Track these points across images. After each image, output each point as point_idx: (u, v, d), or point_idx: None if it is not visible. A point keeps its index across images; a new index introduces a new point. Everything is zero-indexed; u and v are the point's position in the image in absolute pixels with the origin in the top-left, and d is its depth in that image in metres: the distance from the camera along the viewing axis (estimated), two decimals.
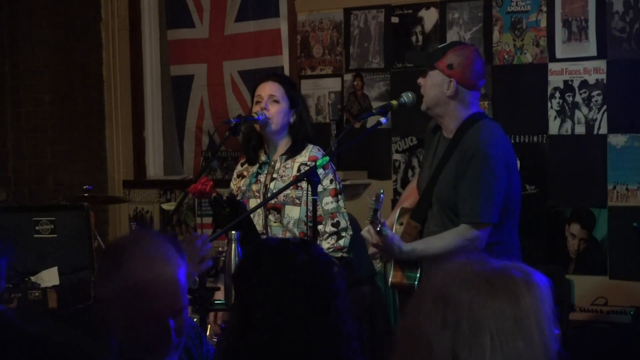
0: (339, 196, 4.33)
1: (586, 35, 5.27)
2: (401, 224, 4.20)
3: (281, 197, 4.24)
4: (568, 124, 5.33)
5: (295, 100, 4.39)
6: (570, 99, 5.32)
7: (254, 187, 4.40)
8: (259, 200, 4.31)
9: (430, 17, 5.78)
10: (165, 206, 6.72)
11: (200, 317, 3.59)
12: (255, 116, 4.31)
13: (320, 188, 4.22)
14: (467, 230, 3.95)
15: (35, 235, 5.09)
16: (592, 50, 5.25)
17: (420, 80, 4.13)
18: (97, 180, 7.10)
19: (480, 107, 4.21)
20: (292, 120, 4.38)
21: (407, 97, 4.17)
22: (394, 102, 4.17)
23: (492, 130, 4.05)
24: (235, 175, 4.56)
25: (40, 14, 7.36)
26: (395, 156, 5.93)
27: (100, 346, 1.74)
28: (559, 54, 5.35)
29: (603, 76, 5.23)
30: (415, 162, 5.79)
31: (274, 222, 4.31)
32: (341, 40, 6.12)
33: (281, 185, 4.22)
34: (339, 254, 4.23)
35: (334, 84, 6.15)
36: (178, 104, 7.06)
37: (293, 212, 4.28)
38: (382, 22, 5.97)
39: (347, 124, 5.96)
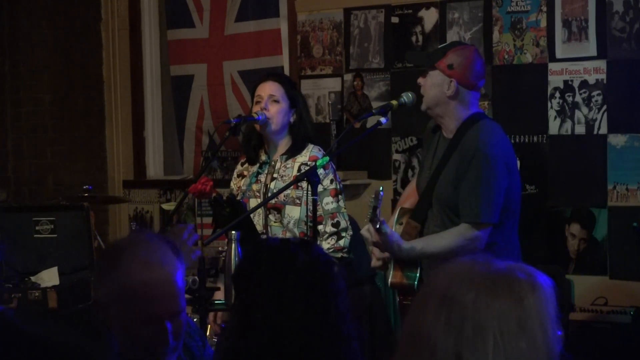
0: (340, 196, 4.33)
1: (586, 35, 5.27)
2: (401, 224, 4.20)
3: (281, 197, 4.24)
4: (568, 124, 5.33)
5: (296, 99, 4.39)
6: (570, 99, 5.32)
7: (255, 186, 4.40)
8: (259, 200, 4.31)
9: (430, 17, 5.78)
10: (165, 206, 6.72)
11: (200, 317, 3.59)
12: (255, 116, 4.31)
13: (320, 188, 4.22)
14: (468, 230, 3.95)
15: (35, 235, 5.09)
16: (592, 50, 5.25)
17: (421, 80, 4.13)
18: (97, 180, 7.10)
19: (480, 107, 4.21)
20: (292, 120, 4.38)
21: (407, 97, 4.17)
22: (394, 102, 4.17)
23: (492, 131, 4.05)
24: (235, 175, 4.56)
25: (40, 14, 7.36)
26: (395, 156, 5.93)
27: (100, 346, 1.73)
28: (559, 54, 5.35)
29: (603, 76, 5.23)
30: (415, 162, 5.79)
31: (274, 222, 4.31)
32: (341, 40, 6.12)
33: (281, 185, 4.22)
34: (339, 254, 4.23)
35: (334, 84, 6.15)
36: (178, 104, 7.06)
37: (293, 212, 4.29)
38: (382, 22, 5.97)
39: (347, 124, 5.96)
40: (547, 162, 5.38)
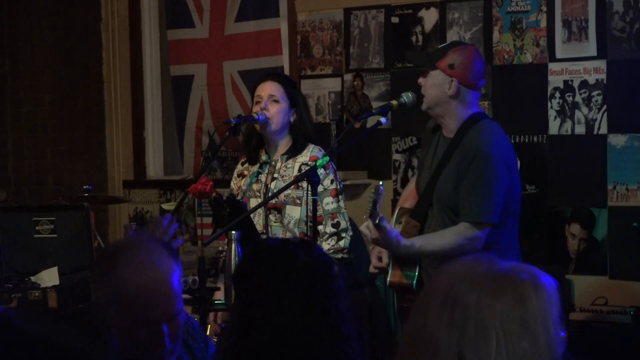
0: (340, 196, 4.33)
1: (586, 35, 5.27)
2: (400, 223, 4.20)
3: (282, 197, 4.24)
4: (568, 124, 5.33)
5: (295, 99, 4.39)
6: (570, 99, 5.32)
7: (255, 186, 4.40)
8: (259, 200, 4.31)
9: (430, 17, 5.78)
10: (165, 206, 6.71)
11: (200, 317, 3.59)
12: (255, 116, 4.31)
13: (320, 188, 4.22)
14: (467, 230, 3.94)
15: (35, 235, 5.09)
16: (592, 50, 5.25)
17: (421, 80, 4.13)
18: (97, 180, 7.10)
19: (480, 107, 4.21)
20: (292, 119, 4.38)
21: (407, 97, 4.17)
22: (394, 102, 4.17)
23: (493, 131, 4.05)
24: (235, 175, 4.56)
25: (40, 14, 7.36)
26: (395, 156, 5.93)
27: (101, 346, 1.73)
28: (559, 54, 5.35)
29: (603, 76, 5.23)
30: (415, 162, 5.79)
31: (275, 222, 4.31)
32: (341, 40, 6.12)
33: (282, 185, 4.22)
34: (339, 255, 4.23)
35: (334, 84, 6.15)
36: (178, 104, 7.06)
37: (294, 212, 4.28)
38: (382, 22, 5.97)
39: (347, 124, 5.96)
40: (547, 162, 5.38)
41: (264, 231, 4.32)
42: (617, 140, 5.20)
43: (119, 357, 1.76)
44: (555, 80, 5.36)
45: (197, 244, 6.58)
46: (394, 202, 5.34)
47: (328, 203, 4.28)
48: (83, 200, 5.42)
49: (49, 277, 4.94)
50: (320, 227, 4.22)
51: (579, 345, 4.75)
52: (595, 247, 5.26)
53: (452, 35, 5.65)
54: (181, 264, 2.46)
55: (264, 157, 4.44)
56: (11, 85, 7.49)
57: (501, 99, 5.52)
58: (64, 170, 7.37)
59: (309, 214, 3.96)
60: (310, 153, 4.35)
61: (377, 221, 3.80)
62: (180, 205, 5.19)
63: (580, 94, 5.29)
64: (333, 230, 4.27)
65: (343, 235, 4.28)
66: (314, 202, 3.89)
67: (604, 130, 5.23)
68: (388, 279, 4.15)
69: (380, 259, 4.16)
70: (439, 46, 4.40)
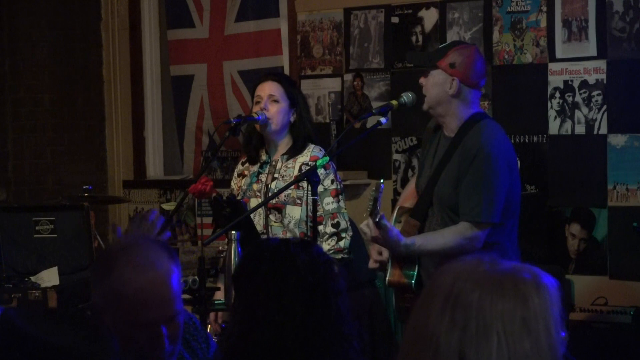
0: (340, 197, 4.33)
1: (586, 35, 5.27)
2: (399, 222, 4.20)
3: (282, 197, 4.24)
4: (568, 124, 5.33)
5: (295, 99, 4.39)
6: (570, 99, 5.32)
7: (255, 186, 4.40)
8: (260, 200, 4.31)
9: (430, 17, 5.78)
10: (165, 206, 6.71)
11: (200, 317, 3.59)
12: (255, 116, 4.31)
13: (321, 188, 4.22)
14: (467, 229, 3.94)
15: (35, 235, 5.09)
16: (592, 50, 5.25)
17: (422, 80, 4.13)
18: (97, 180, 7.10)
19: (480, 107, 4.21)
20: (292, 119, 4.38)
21: (407, 97, 4.17)
22: (394, 102, 4.18)
23: (494, 131, 4.05)
24: (235, 174, 4.56)
25: (40, 14, 7.36)
26: (395, 156, 5.93)
27: (101, 347, 1.73)
28: (559, 54, 5.35)
29: (603, 76, 5.23)
30: (415, 162, 5.79)
31: (275, 222, 4.31)
32: (341, 40, 6.12)
33: (282, 185, 4.22)
34: (340, 256, 4.23)
35: (334, 84, 6.15)
36: (178, 104, 7.06)
37: (294, 212, 4.28)
38: (382, 22, 5.97)
39: (347, 124, 5.96)
40: (547, 162, 5.38)
41: (264, 231, 4.32)
42: (617, 140, 5.20)
43: (119, 358, 1.77)
44: (555, 80, 5.36)
45: (197, 244, 6.58)
46: (394, 202, 5.34)
47: (328, 203, 4.28)
48: (83, 200, 5.41)
49: (49, 277, 4.93)
50: (320, 227, 4.22)
51: (579, 345, 4.75)
52: (595, 247, 5.26)
53: (452, 35, 5.65)
54: (181, 264, 2.46)
55: (264, 157, 4.44)
56: (11, 85, 7.48)
57: (501, 99, 5.52)
58: (64, 170, 7.37)
59: (309, 214, 3.96)
60: (311, 153, 4.35)
61: (377, 219, 3.80)
62: (180, 205, 5.19)
63: (580, 94, 5.29)
64: (333, 230, 4.27)
65: (343, 235, 4.28)
66: (314, 202, 3.89)
67: (604, 130, 5.23)
68: (387, 278, 4.14)
69: (380, 253, 4.15)
70: (440, 46, 4.40)
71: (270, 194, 4.26)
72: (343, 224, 4.29)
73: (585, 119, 5.28)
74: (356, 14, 6.07)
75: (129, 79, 7.17)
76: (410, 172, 5.81)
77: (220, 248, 4.62)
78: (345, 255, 4.26)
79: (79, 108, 7.34)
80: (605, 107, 5.22)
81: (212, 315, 4.16)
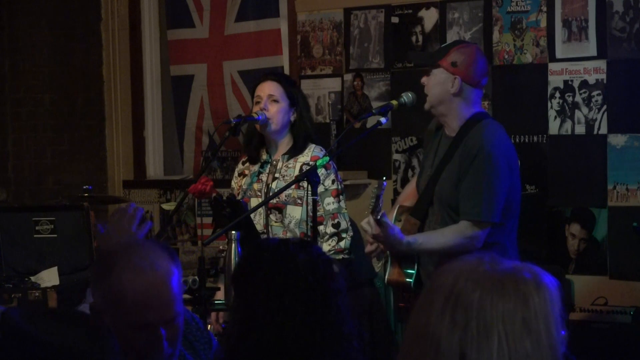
0: (341, 197, 4.33)
1: (586, 35, 5.27)
2: (399, 221, 4.20)
3: (283, 196, 4.24)
4: (568, 124, 5.33)
5: (295, 98, 4.39)
6: (570, 99, 5.32)
7: (256, 186, 4.41)
8: (260, 200, 4.31)
9: (430, 17, 5.78)
10: (165, 206, 6.71)
11: (200, 317, 3.59)
12: (255, 116, 4.32)
13: (322, 188, 4.22)
14: (468, 229, 3.94)
15: (35, 235, 5.09)
16: (592, 50, 5.25)
17: (424, 80, 4.13)
18: (97, 180, 7.09)
19: (481, 106, 4.21)
20: (292, 118, 4.38)
21: (407, 97, 4.17)
22: (394, 102, 4.18)
23: (496, 130, 4.06)
24: (236, 174, 4.56)
25: (40, 14, 7.36)
26: (395, 156, 5.92)
27: (101, 346, 1.73)
28: (559, 54, 5.35)
29: (603, 76, 5.23)
30: (415, 162, 5.79)
31: (275, 222, 4.31)
32: (341, 40, 6.12)
33: (283, 184, 4.22)
34: (340, 256, 4.23)
35: (334, 84, 6.15)
36: (178, 104, 7.06)
37: (295, 212, 4.28)
38: (382, 22, 5.97)
39: (347, 124, 5.96)
40: (547, 162, 5.38)
41: (264, 231, 4.32)
42: (617, 140, 5.19)
43: (119, 358, 1.77)
44: (555, 80, 5.36)
45: (197, 244, 6.58)
46: (394, 202, 5.33)
47: (329, 203, 4.28)
48: (83, 200, 5.42)
49: (49, 277, 4.94)
50: (320, 228, 4.22)
51: (579, 346, 4.75)
52: (595, 247, 5.26)
53: (452, 35, 5.65)
54: (181, 264, 2.45)
55: (264, 157, 4.44)
56: (11, 85, 7.49)
57: (501, 99, 5.52)
58: (64, 170, 7.37)
59: (310, 214, 3.96)
60: (312, 153, 4.35)
61: (378, 217, 3.80)
62: (180, 205, 5.20)
63: (580, 94, 5.29)
64: (333, 230, 4.27)
65: (343, 235, 4.28)
66: (314, 202, 3.89)
67: (604, 130, 5.23)
68: (386, 277, 4.15)
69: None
70: (442, 45, 4.40)
71: (271, 194, 4.26)
72: (343, 224, 4.29)
73: (585, 119, 5.28)
74: (356, 14, 6.07)
75: (129, 79, 7.17)
76: (410, 172, 5.81)
77: (220, 247, 4.62)
78: (346, 256, 4.26)
79: (79, 108, 7.34)
80: (605, 107, 5.22)
81: (213, 315, 4.16)
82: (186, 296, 3.53)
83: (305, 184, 4.07)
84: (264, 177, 4.40)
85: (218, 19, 6.74)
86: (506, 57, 5.51)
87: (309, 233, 4.08)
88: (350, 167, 5.97)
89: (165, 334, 2.33)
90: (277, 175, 4.37)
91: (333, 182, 4.30)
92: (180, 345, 2.44)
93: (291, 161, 4.36)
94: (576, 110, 5.30)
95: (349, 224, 4.32)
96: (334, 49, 6.15)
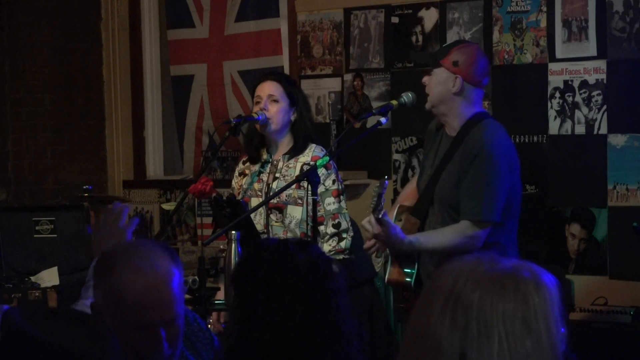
0: (341, 197, 4.33)
1: (586, 35, 5.27)
2: (400, 221, 4.20)
3: (284, 196, 4.24)
4: (568, 124, 5.33)
5: (295, 98, 4.39)
6: (570, 99, 5.32)
7: (256, 185, 4.41)
8: (261, 199, 4.31)
9: (430, 17, 5.78)
10: (165, 206, 6.71)
11: (200, 317, 3.59)
12: (255, 116, 4.32)
13: (322, 188, 4.22)
14: (468, 228, 3.95)
15: (35, 235, 5.10)
16: (592, 50, 5.25)
17: (425, 79, 4.14)
18: (97, 180, 7.09)
19: (482, 106, 4.22)
20: (292, 118, 4.38)
21: (407, 97, 4.17)
22: (394, 102, 4.18)
23: (497, 130, 4.06)
24: (237, 173, 4.56)
25: (40, 14, 7.36)
26: (395, 156, 5.92)
27: (101, 346, 1.73)
28: (559, 54, 5.35)
29: (603, 76, 5.23)
30: (415, 162, 5.79)
31: (276, 222, 4.31)
32: (341, 40, 6.12)
33: (284, 184, 4.22)
34: (341, 257, 4.23)
35: (334, 84, 6.15)
36: (178, 104, 7.06)
37: (295, 212, 4.28)
38: (382, 22, 5.97)
39: (347, 124, 5.96)
40: (547, 162, 5.38)
41: (265, 231, 4.32)
42: (617, 140, 5.19)
43: (119, 358, 1.77)
44: (555, 80, 5.36)
45: (197, 244, 6.58)
46: (394, 202, 5.33)
47: (330, 203, 4.28)
48: (83, 200, 5.42)
49: (49, 277, 4.94)
50: (321, 228, 4.22)
51: (579, 345, 4.75)
52: (595, 247, 5.26)
53: (452, 35, 5.65)
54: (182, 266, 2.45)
55: (265, 156, 4.44)
56: (11, 85, 7.49)
57: (501, 99, 5.52)
58: (64, 170, 7.37)
59: (310, 214, 3.96)
60: (312, 153, 4.35)
61: (380, 216, 3.80)
62: (180, 205, 5.20)
63: (580, 94, 5.29)
64: (334, 230, 4.27)
65: (344, 236, 4.28)
66: (314, 202, 3.89)
67: (604, 130, 5.23)
68: (386, 277, 4.15)
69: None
70: (443, 45, 4.41)
71: (271, 194, 4.26)
72: (344, 225, 4.29)
73: (585, 119, 5.28)
74: (356, 14, 6.07)
75: (129, 79, 7.17)
76: (410, 172, 5.81)
77: (221, 247, 4.62)
78: (346, 256, 4.26)
79: (79, 108, 7.34)
80: (605, 107, 5.22)
81: (214, 315, 4.16)
82: (186, 296, 3.53)
83: (305, 183, 4.07)
84: (264, 176, 4.40)
85: (218, 19, 6.74)
86: (506, 57, 5.51)
87: (309, 233, 4.08)
88: (350, 167, 5.97)
89: (165, 334, 2.33)
90: (277, 175, 4.37)
91: (334, 182, 4.30)
92: (181, 345, 2.44)
93: (292, 161, 4.36)
94: (576, 110, 5.30)
95: (349, 224, 4.32)
96: (334, 49, 6.15)
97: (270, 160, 4.42)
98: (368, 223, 3.92)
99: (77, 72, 7.32)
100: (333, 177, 4.30)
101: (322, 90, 6.20)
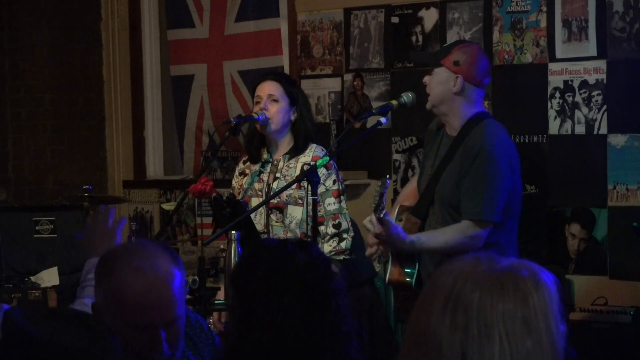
0: (342, 197, 4.33)
1: (586, 35, 5.27)
2: (400, 220, 4.20)
3: (284, 196, 4.24)
4: (568, 124, 5.33)
5: (296, 97, 4.39)
6: (570, 99, 5.32)
7: (257, 185, 4.41)
8: (261, 199, 4.31)
9: (430, 17, 5.78)
10: (165, 206, 6.71)
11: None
12: (255, 116, 4.32)
13: (323, 188, 4.22)
14: (469, 228, 3.95)
15: (35, 235, 5.10)
16: (592, 50, 5.25)
17: (426, 79, 4.14)
18: (97, 180, 7.09)
19: (483, 106, 4.22)
20: (293, 118, 4.38)
21: (407, 97, 4.17)
22: (394, 102, 4.18)
23: (497, 130, 4.06)
24: (237, 173, 4.56)
25: (40, 14, 7.36)
26: (395, 156, 5.92)
27: (101, 346, 1.74)
28: (559, 54, 5.35)
29: (603, 76, 5.23)
30: (415, 162, 5.79)
31: (276, 222, 4.31)
32: (341, 40, 6.12)
33: (284, 184, 4.22)
34: (341, 257, 4.23)
35: (334, 84, 6.15)
36: (178, 104, 7.06)
37: (296, 212, 4.29)
38: (382, 22, 5.97)
39: (347, 124, 5.96)
40: (547, 162, 5.38)
41: (265, 231, 4.32)
42: (617, 140, 5.19)
43: (119, 358, 1.77)
44: (555, 80, 5.36)
45: (197, 244, 6.58)
46: (394, 202, 5.33)
47: (330, 203, 4.28)
48: (83, 200, 5.42)
49: (49, 277, 4.94)
50: (321, 228, 4.22)
51: (579, 345, 4.75)
52: (595, 247, 5.26)
53: (452, 35, 5.65)
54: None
55: (265, 156, 4.44)
56: (11, 85, 7.49)
57: (501, 99, 5.52)
58: (64, 170, 7.37)
59: (310, 214, 3.96)
60: (313, 153, 4.35)
61: (381, 215, 3.80)
62: (180, 205, 5.20)
63: (580, 94, 5.29)
64: (334, 231, 4.27)
65: (344, 236, 4.28)
66: (314, 202, 3.89)
67: (604, 130, 5.23)
68: (387, 277, 4.15)
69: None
70: (444, 45, 4.41)
71: (271, 194, 4.26)
72: (344, 225, 4.29)
73: (585, 119, 5.28)
74: (356, 14, 6.07)
75: (129, 79, 7.17)
76: (410, 172, 5.81)
77: (221, 247, 4.62)
78: (347, 257, 4.26)
79: (79, 108, 7.34)
80: (605, 107, 5.22)
81: (215, 315, 4.17)
82: (186, 296, 3.53)
83: (306, 183, 4.07)
84: (265, 176, 4.40)
85: (218, 19, 6.74)
86: (506, 57, 5.51)
87: (310, 233, 4.08)
88: (350, 167, 5.97)
89: (165, 335, 2.32)
90: (278, 175, 4.37)
91: (334, 182, 4.30)
92: (183, 346, 2.44)
93: (292, 161, 4.36)
94: (576, 110, 5.30)
95: (349, 224, 4.32)
96: (334, 49, 6.15)
97: (271, 160, 4.42)
98: (369, 222, 3.92)
99: (77, 72, 7.32)
100: (333, 177, 4.30)
101: (322, 90, 6.20)
